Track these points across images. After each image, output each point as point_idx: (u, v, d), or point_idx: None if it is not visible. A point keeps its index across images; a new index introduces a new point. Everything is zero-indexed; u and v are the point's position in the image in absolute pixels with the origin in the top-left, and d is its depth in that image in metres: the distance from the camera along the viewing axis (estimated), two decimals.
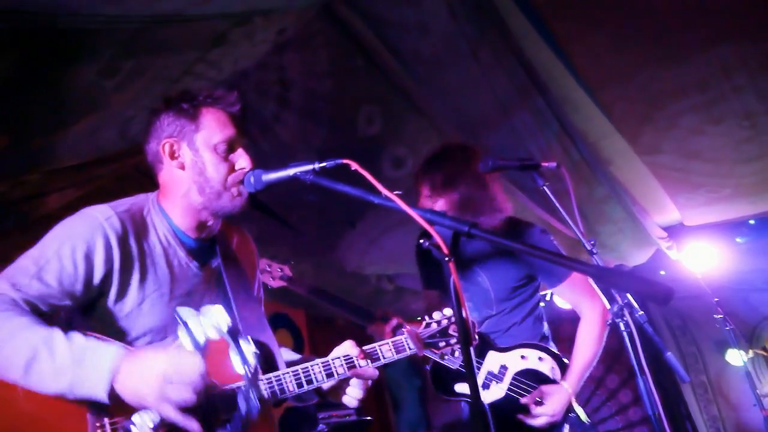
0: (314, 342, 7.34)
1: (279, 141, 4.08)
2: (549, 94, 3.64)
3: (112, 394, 1.51)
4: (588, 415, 3.87)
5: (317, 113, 4.00)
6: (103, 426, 1.55)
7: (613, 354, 6.41)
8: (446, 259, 1.29)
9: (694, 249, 5.82)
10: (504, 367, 2.60)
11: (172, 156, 1.84)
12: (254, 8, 2.97)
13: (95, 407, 1.55)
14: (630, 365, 2.11)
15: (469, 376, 1.24)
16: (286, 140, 4.09)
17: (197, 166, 1.82)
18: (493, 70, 3.46)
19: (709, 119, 3.87)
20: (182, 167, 1.83)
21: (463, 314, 1.28)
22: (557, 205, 2.42)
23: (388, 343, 2.07)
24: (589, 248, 2.33)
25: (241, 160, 1.85)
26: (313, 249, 5.23)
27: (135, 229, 1.77)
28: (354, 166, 1.59)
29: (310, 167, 1.67)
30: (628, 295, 2.12)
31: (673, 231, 5.81)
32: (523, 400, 2.49)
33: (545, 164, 2.49)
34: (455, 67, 3.54)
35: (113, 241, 1.70)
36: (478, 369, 2.53)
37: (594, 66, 3.48)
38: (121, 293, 1.72)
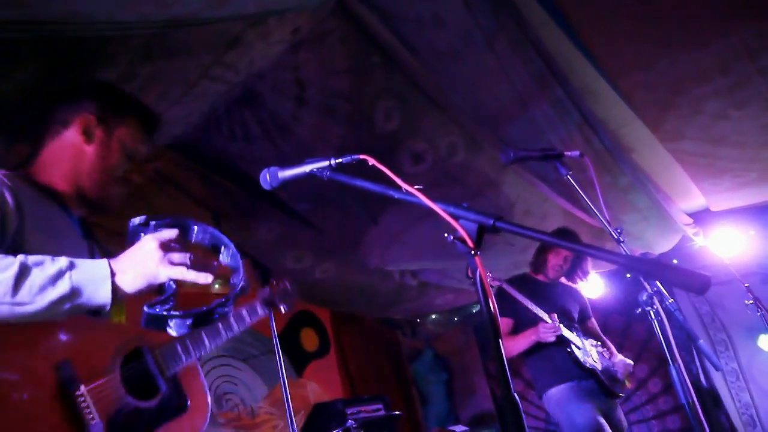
0: (340, 340, 7.37)
1: (298, 140, 4.08)
2: (568, 83, 3.59)
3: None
4: (620, 395, 3.86)
5: (335, 111, 3.99)
6: (82, 394, 1.49)
7: (641, 343, 6.36)
8: (471, 252, 1.27)
9: (721, 234, 5.73)
10: None
11: (85, 132, 1.85)
12: (268, 9, 2.96)
13: (67, 378, 1.47)
14: (658, 354, 2.08)
15: (500, 371, 1.23)
16: (304, 139, 4.09)
17: (103, 151, 1.85)
18: (511, 62, 3.42)
19: (734, 103, 3.80)
20: (88, 146, 1.84)
21: (491, 308, 1.26)
22: (582, 194, 2.40)
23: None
24: (615, 236, 2.31)
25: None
26: (336, 246, 5.24)
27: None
28: (371, 161, 1.58)
29: (326, 163, 1.66)
30: (658, 283, 2.09)
31: (699, 217, 5.73)
32: None
33: (568, 153, 2.46)
34: (472, 60, 3.51)
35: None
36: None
37: (613, 53, 3.42)
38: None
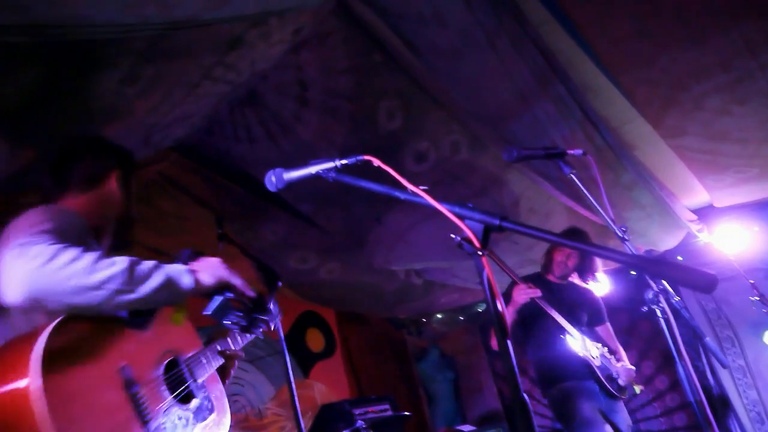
0: (345, 340, 7.37)
1: (300, 140, 4.08)
2: (570, 81, 3.58)
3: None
4: (624, 403, 3.84)
5: (337, 111, 3.99)
6: (142, 395, 1.68)
7: (646, 340, 6.34)
8: (478, 253, 1.27)
9: (726, 230, 5.71)
10: None
11: (114, 184, 2.11)
12: (269, 9, 2.96)
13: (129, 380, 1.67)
14: (665, 351, 2.07)
15: (509, 370, 1.22)
16: (307, 139, 4.09)
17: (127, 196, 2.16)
18: (512, 60, 3.41)
19: (735, 99, 3.78)
20: (112, 194, 2.11)
21: (498, 308, 1.26)
22: (585, 192, 2.39)
23: None
24: (620, 235, 2.30)
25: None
26: (340, 247, 5.23)
27: None
28: (376, 162, 1.58)
29: (331, 165, 1.66)
30: (664, 281, 2.08)
31: (703, 213, 5.71)
32: None
33: (571, 152, 2.46)
34: (474, 58, 3.50)
35: None
36: None
37: (614, 50, 3.41)
38: None
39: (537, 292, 3.62)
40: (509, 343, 1.23)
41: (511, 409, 1.08)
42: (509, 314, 3.70)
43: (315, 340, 7.00)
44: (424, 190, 1.43)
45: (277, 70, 3.65)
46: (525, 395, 1.18)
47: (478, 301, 7.34)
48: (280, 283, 3.20)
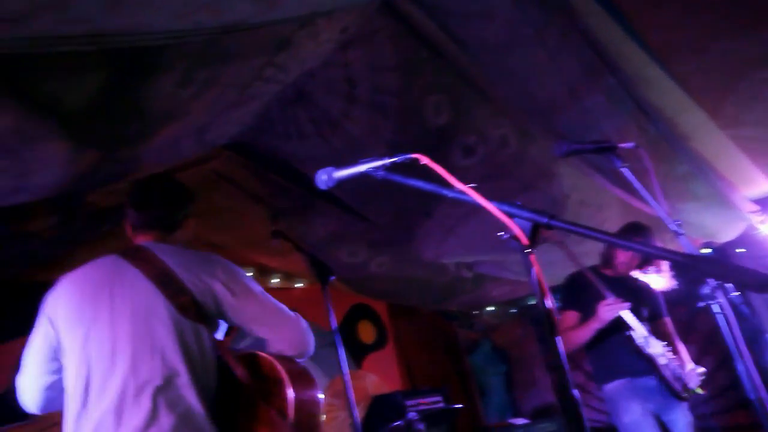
0: (397, 332, 7.43)
1: (349, 137, 4.14)
2: (620, 72, 3.51)
3: None
4: (685, 399, 3.73)
5: (385, 107, 4.02)
6: None
7: (705, 335, 6.16)
8: (526, 251, 1.28)
9: None
10: None
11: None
12: (316, 10, 3.01)
13: None
14: (723, 348, 2.04)
15: (559, 368, 1.24)
16: (356, 136, 4.14)
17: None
18: (560, 53, 3.37)
19: None
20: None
21: (547, 305, 1.27)
22: (638, 186, 2.36)
23: None
24: (674, 228, 2.26)
25: None
26: (390, 240, 5.28)
27: None
28: (424, 160, 1.60)
29: (380, 163, 1.68)
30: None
31: (766, 203, 5.52)
32: None
33: (622, 145, 2.42)
34: (521, 52, 3.47)
35: None
36: None
37: (666, 39, 3.33)
38: None
39: (625, 305, 3.52)
40: (557, 340, 1.24)
41: (562, 406, 1.08)
42: (590, 331, 3.60)
43: (366, 332, 7.08)
44: (472, 188, 1.45)
45: (325, 68, 3.71)
46: (575, 392, 1.19)
47: (530, 294, 7.28)
48: (332, 278, 3.27)
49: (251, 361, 2.09)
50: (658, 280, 4.03)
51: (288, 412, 1.98)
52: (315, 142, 4.15)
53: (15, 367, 4.31)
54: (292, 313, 2.17)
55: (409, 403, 5.03)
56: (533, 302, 7.56)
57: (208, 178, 4.52)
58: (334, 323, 3.27)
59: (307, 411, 2.06)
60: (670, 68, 3.58)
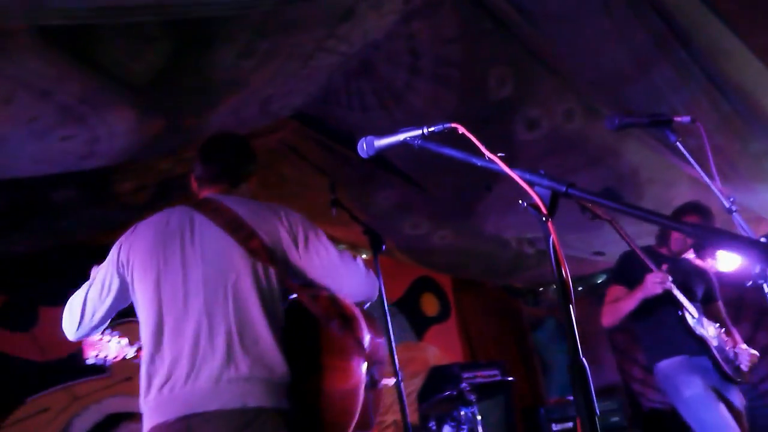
0: (460, 305, 7.46)
1: (412, 109, 4.16)
2: (692, 43, 3.36)
3: None
4: (738, 383, 3.61)
5: (448, 79, 4.02)
6: None
7: (760, 311, 5.92)
8: (543, 219, 1.30)
9: None
10: None
11: None
12: None
13: None
14: None
15: (570, 337, 1.25)
16: (419, 108, 4.16)
17: None
18: (628, 23, 3.27)
19: None
20: None
21: (563, 274, 1.29)
22: (693, 161, 2.29)
23: None
24: (727, 206, 2.20)
25: None
26: (452, 214, 5.29)
27: None
28: (461, 129, 1.62)
29: (419, 132, 1.71)
30: None
31: None
32: None
33: (678, 119, 2.35)
34: (587, 23, 3.39)
35: None
36: None
37: (745, 7, 3.17)
38: None
39: (669, 279, 3.43)
40: (572, 309, 1.26)
41: (571, 374, 1.09)
42: (635, 301, 3.52)
43: (430, 305, 7.15)
44: (500, 158, 1.46)
45: (389, 40, 3.73)
46: (584, 359, 1.21)
47: (597, 271, 7.14)
48: (384, 247, 3.33)
49: (324, 299, 2.09)
50: (727, 260, 3.88)
51: (363, 342, 2.02)
52: (378, 114, 4.21)
53: None
54: (355, 260, 2.16)
55: (466, 375, 5.10)
56: (600, 281, 7.41)
57: (275, 149, 4.66)
58: (384, 293, 3.30)
59: (377, 347, 2.10)
60: (747, 40, 3.39)
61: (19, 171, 3.24)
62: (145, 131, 2.95)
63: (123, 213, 4.19)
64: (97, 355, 2.34)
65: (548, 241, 1.30)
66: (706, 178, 2.24)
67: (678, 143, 2.30)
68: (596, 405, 1.21)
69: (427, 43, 3.81)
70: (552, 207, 1.31)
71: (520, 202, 1.35)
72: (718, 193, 2.22)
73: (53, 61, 2.47)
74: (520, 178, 1.36)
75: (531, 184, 1.34)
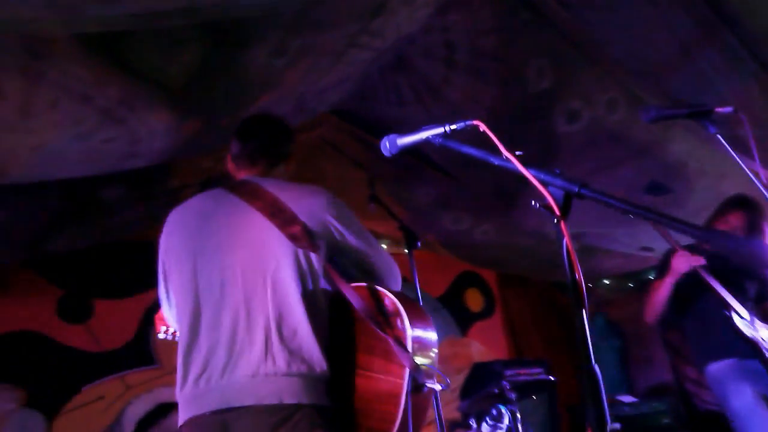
0: (505, 301, 7.36)
1: (449, 103, 4.11)
2: (742, 28, 3.21)
3: None
4: None
5: (485, 72, 3.95)
6: None
7: None
8: (555, 220, 1.26)
9: None
10: None
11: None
12: None
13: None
14: None
15: (582, 342, 1.22)
16: (456, 102, 4.11)
17: None
18: (672, 8, 3.14)
19: None
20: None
21: (577, 277, 1.25)
22: (733, 154, 2.19)
23: None
24: None
25: None
26: (492, 209, 5.22)
27: None
28: (482, 127, 1.59)
29: (440, 130, 1.69)
30: None
31: None
32: None
33: (719, 109, 2.24)
34: (629, 11, 3.28)
35: None
36: None
37: None
38: None
39: (700, 260, 3.35)
40: (584, 313, 1.22)
41: (581, 379, 1.05)
42: (666, 286, 3.46)
43: (474, 300, 7.08)
44: (517, 156, 1.43)
45: (424, 33, 3.69)
46: (595, 366, 1.17)
47: (647, 267, 6.93)
48: (419, 244, 3.32)
49: (364, 291, 2.00)
50: None
51: (406, 343, 1.88)
52: (415, 108, 4.17)
53: (141, 318, 4.83)
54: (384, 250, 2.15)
55: (508, 372, 5.02)
56: (652, 277, 7.19)
57: (314, 145, 4.69)
58: (418, 290, 3.27)
59: (423, 344, 1.96)
60: None
61: (67, 172, 3.35)
62: (183, 131, 3.00)
63: (170, 210, 4.29)
64: (166, 330, 2.30)
65: (562, 242, 1.27)
66: (748, 172, 2.14)
67: (718, 135, 2.19)
68: (608, 415, 1.16)
69: (463, 36, 3.75)
70: (565, 207, 1.27)
71: (533, 202, 1.31)
72: (761, 187, 2.12)
73: (92, 67, 2.54)
74: (535, 177, 1.33)
75: (545, 184, 1.31)
